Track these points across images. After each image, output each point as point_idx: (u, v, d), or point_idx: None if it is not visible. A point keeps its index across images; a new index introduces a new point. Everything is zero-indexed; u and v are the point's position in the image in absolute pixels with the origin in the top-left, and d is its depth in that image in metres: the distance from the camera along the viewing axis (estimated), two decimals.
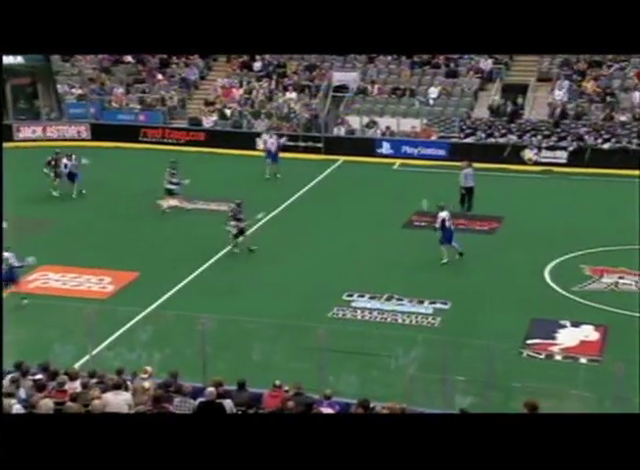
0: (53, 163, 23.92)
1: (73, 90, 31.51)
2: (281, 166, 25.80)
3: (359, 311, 16.08)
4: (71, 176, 23.79)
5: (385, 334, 14.59)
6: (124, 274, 17.87)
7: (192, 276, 17.80)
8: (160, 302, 16.38)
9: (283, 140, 26.85)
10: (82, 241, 19.66)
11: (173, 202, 22.88)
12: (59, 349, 14.51)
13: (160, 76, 32.33)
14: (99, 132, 30.13)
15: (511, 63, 31.06)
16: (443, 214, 18.37)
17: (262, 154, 27.08)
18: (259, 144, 28.54)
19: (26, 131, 30.00)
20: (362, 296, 16.72)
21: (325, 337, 12.27)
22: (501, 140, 27.90)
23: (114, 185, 24.54)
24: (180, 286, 17.26)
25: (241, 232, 18.84)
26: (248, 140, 29.02)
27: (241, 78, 32.14)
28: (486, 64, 30.72)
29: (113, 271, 17.95)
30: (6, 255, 16.28)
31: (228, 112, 30.70)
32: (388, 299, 16.60)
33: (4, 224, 16.99)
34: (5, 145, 28.30)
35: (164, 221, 21.66)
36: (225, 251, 19.23)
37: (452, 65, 31.12)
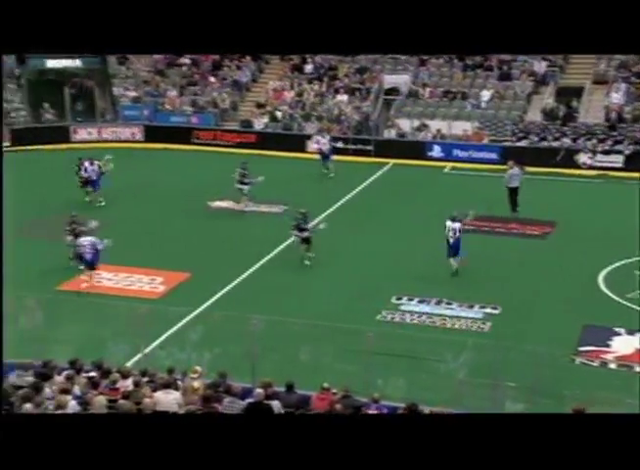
0: (77, 169, 23.01)
1: (128, 92, 32.07)
2: (332, 173, 25.95)
3: (408, 315, 16.03)
4: (90, 183, 22.82)
5: (434, 338, 14.52)
6: (175, 274, 18.11)
7: (242, 277, 17.96)
8: (210, 302, 16.55)
9: (331, 141, 27.00)
10: (134, 241, 19.96)
11: (223, 203, 23.12)
12: (112, 347, 14.77)
13: (212, 79, 32.70)
14: (152, 134, 30.62)
15: (566, 65, 30.62)
16: (449, 225, 17.79)
17: (314, 156, 27.24)
18: (310, 146, 28.66)
19: (83, 133, 30.63)
20: (411, 299, 16.67)
21: (373, 340, 12.27)
22: (555, 144, 27.53)
23: (167, 186, 24.89)
24: (230, 287, 17.42)
25: (305, 241, 18.73)
26: (298, 142, 29.17)
27: (292, 81, 32.32)
28: (540, 66, 30.34)
29: (164, 271, 18.20)
30: (89, 239, 17.41)
31: (279, 114, 30.90)
32: (438, 303, 16.51)
33: (93, 223, 17.76)
34: (61, 146, 28.97)
35: (216, 222, 21.89)
36: (275, 252, 19.36)
37: (505, 67, 30.81)
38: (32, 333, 13.16)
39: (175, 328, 15.25)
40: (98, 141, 30.33)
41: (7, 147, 28.76)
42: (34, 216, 21.70)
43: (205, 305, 16.32)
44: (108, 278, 17.88)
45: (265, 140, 29.74)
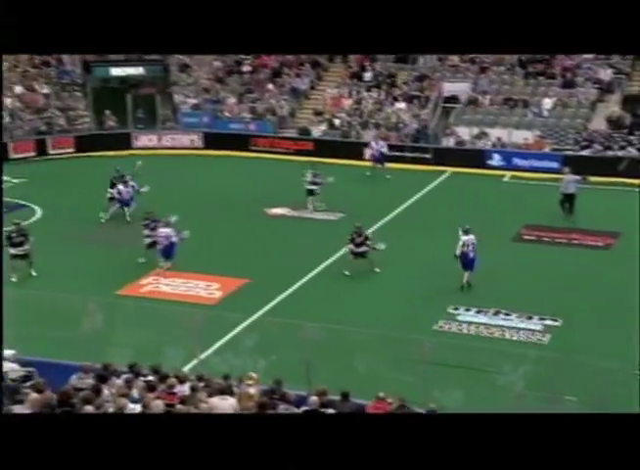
0: (110, 184, 22.54)
1: (188, 100, 32.56)
2: (388, 175, 25.93)
3: (465, 325, 15.85)
4: (122, 202, 22.10)
5: (492, 349, 14.33)
6: (232, 281, 18.26)
7: (298, 285, 18.01)
8: (266, 309, 16.64)
9: (383, 147, 27.15)
10: (192, 247, 20.19)
11: (280, 210, 23.26)
12: (169, 352, 14.94)
13: (270, 86, 32.95)
14: (211, 141, 31.00)
15: (633, 72, 29.98)
16: (466, 238, 17.50)
17: (370, 163, 27.32)
18: (367, 154, 28.66)
19: (144, 140, 31.19)
20: (468, 309, 16.48)
21: (430, 350, 12.16)
22: (620, 153, 26.94)
23: (224, 192, 25.14)
24: (287, 294, 17.49)
25: (359, 255, 18.58)
26: (356, 150, 29.16)
27: (350, 88, 32.35)
28: (606, 74, 29.76)
29: (221, 277, 18.37)
30: (166, 231, 18.39)
31: (337, 121, 30.96)
32: (496, 313, 16.29)
33: (173, 218, 18.31)
34: (123, 153, 29.56)
35: (273, 229, 22.02)
36: (332, 260, 19.37)
37: (569, 75, 30.31)
38: (93, 336, 13.40)
39: (231, 334, 15.36)
40: (158, 148, 30.86)
41: (71, 153, 29.60)
42: (96, 222, 22.10)
43: (261, 312, 16.41)
44: (166, 283, 18.12)
45: (323, 148, 29.81)
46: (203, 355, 13.94)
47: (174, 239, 18.54)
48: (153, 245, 18.84)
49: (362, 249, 18.51)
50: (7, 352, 11.55)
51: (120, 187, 22.09)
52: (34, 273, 18.08)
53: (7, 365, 11.35)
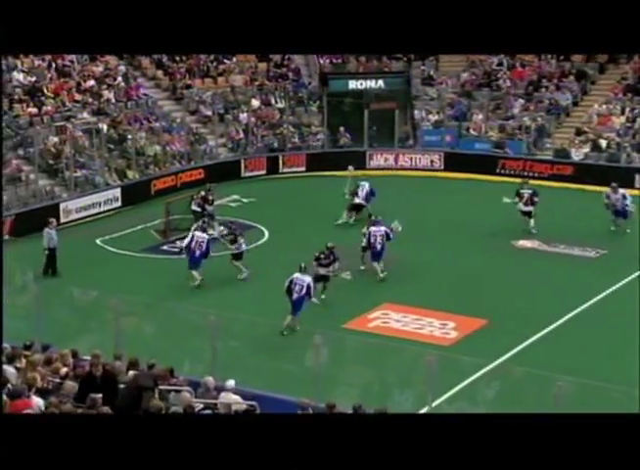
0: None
1: (430, 116, 32.94)
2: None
3: None
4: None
5: None
6: (470, 320, 18.24)
7: (548, 329, 17.62)
8: (509, 355, 16.43)
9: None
10: (426, 280, 20.41)
11: (529, 243, 22.89)
12: (397, 394, 15.20)
13: (521, 101, 32.52)
14: (453, 162, 31.10)
15: None
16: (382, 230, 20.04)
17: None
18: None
19: (379, 159, 31.92)
20: None
21: None
22: None
23: (466, 220, 25.13)
24: (534, 339, 17.18)
25: (322, 279, 18.67)
26: (625, 176, 27.94)
27: (623, 104, 31.16)
28: None
29: (458, 316, 18.39)
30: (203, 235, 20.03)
31: (603, 143, 29.94)
32: None
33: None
34: (356, 173, 30.45)
35: (519, 264, 21.72)
36: (587, 305, 18.77)
37: None
38: (317, 371, 13.94)
39: (468, 381, 15.31)
40: (394, 168, 31.45)
41: (302, 172, 31.01)
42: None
43: (502, 358, 16.22)
44: (396, 319, 18.43)
45: (584, 172, 28.94)
46: (435, 403, 14.00)
47: (391, 236, 20.17)
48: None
49: (323, 271, 18.61)
50: (228, 383, 12.33)
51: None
52: None
53: (229, 397, 12.11)
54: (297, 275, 17.40)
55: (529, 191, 23.85)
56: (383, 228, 20.44)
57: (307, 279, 17.44)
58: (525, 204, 23.64)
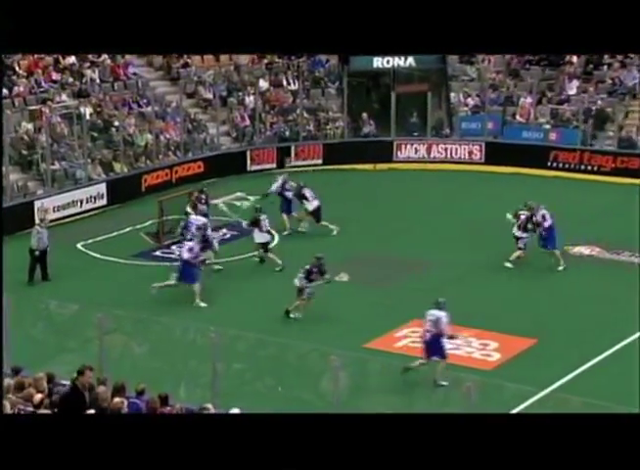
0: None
1: (469, 100, 32.82)
2: None
3: None
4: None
5: None
6: (516, 340, 18.25)
7: (608, 352, 17.62)
8: (561, 382, 16.45)
9: None
10: (464, 293, 20.38)
11: (587, 250, 22.86)
12: None
13: (576, 82, 32.34)
14: (496, 153, 31.07)
15: None
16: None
17: None
18: None
19: (409, 150, 31.79)
20: None
21: None
22: None
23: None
24: (592, 363, 17.19)
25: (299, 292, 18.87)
26: None
27: None
28: None
29: (501, 335, 18.42)
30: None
31: None
32: None
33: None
34: (381, 166, 30.43)
35: (574, 275, 21.68)
36: None
37: None
38: (334, 400, 14.00)
39: (513, 412, 15.30)
40: (425, 161, 31.40)
41: (318, 165, 30.99)
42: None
43: (553, 386, 16.24)
44: None
45: None
46: None
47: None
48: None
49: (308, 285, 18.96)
50: (231, 412, 12.44)
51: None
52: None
53: None
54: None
55: (526, 213, 22.10)
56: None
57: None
58: (519, 227, 22.10)
